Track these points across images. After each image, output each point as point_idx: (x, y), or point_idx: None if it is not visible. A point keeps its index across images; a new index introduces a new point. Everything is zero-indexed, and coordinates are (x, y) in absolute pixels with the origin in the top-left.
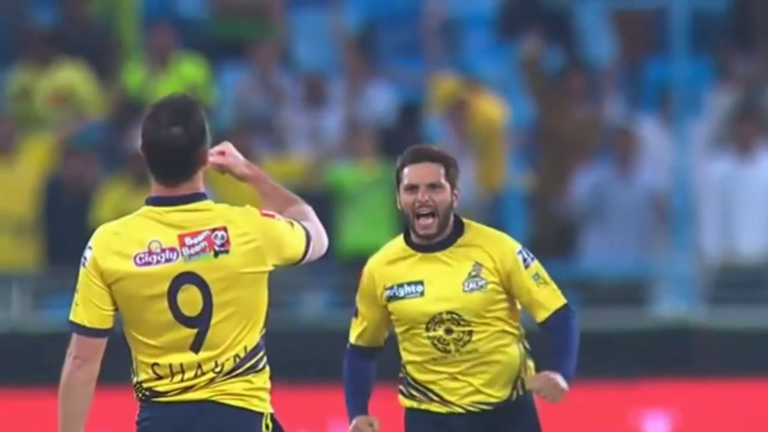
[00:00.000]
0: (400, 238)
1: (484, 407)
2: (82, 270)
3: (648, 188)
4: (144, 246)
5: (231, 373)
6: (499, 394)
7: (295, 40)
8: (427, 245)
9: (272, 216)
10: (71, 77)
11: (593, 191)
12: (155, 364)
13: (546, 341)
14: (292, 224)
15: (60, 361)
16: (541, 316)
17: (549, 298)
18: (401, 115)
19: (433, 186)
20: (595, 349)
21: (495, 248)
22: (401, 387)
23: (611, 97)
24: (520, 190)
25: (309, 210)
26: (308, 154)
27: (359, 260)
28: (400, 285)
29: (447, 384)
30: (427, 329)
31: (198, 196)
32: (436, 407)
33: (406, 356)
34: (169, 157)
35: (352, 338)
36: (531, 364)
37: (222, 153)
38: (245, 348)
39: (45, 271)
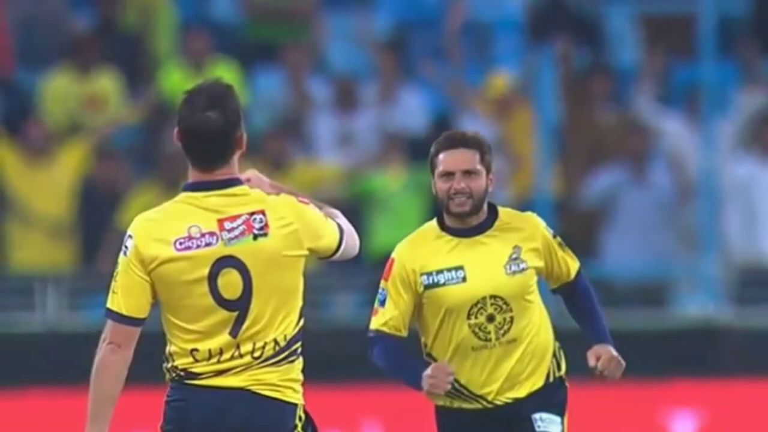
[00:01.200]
0: (433, 224)
1: (513, 401)
2: (121, 258)
3: (667, 189)
4: (184, 231)
5: (268, 361)
6: (532, 384)
7: (327, 44)
8: (463, 229)
9: (307, 203)
10: (105, 84)
11: (609, 192)
12: (194, 349)
13: (569, 304)
14: (325, 217)
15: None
16: (567, 278)
17: (573, 261)
18: (434, 121)
19: (469, 173)
20: (623, 350)
21: (529, 228)
22: None
23: (638, 100)
24: (549, 193)
25: (340, 213)
26: (339, 160)
27: None
28: (439, 271)
29: (478, 377)
30: (469, 316)
31: (234, 181)
32: (465, 404)
33: (437, 348)
34: (206, 142)
35: (376, 325)
36: (562, 357)
37: (248, 180)
38: (285, 336)
39: (80, 272)
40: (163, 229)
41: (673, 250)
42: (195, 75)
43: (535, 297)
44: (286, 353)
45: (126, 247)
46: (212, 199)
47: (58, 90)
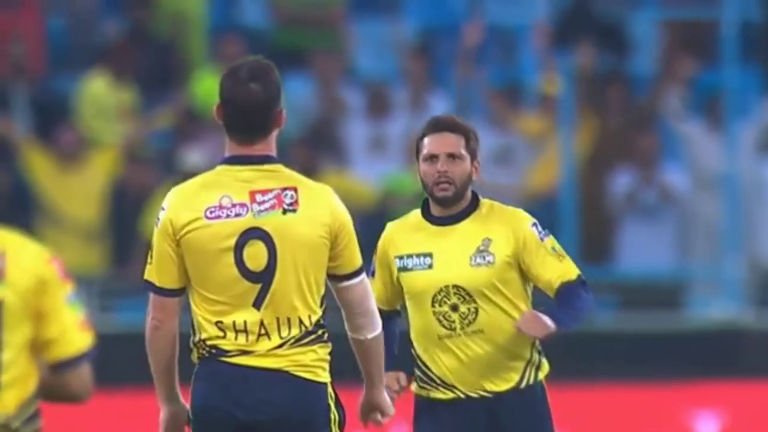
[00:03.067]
0: (417, 211)
1: (488, 394)
2: (155, 230)
3: (685, 191)
4: (215, 200)
5: (299, 342)
6: (505, 380)
7: (357, 49)
8: (442, 217)
9: (340, 202)
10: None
11: (627, 194)
12: (219, 321)
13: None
14: (360, 248)
15: (127, 362)
16: (556, 284)
17: (566, 269)
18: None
19: (453, 156)
20: (646, 351)
21: (510, 222)
22: (414, 378)
23: (664, 104)
24: (571, 196)
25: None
26: (371, 165)
27: None
28: (410, 256)
29: (451, 365)
30: (433, 304)
31: (271, 159)
32: (440, 394)
33: (413, 333)
34: (247, 113)
35: None
36: (544, 361)
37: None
38: (309, 317)
39: (111, 275)
40: (195, 198)
41: (694, 252)
42: None
43: (512, 293)
44: (313, 336)
45: (158, 219)
46: (247, 173)
47: (93, 96)
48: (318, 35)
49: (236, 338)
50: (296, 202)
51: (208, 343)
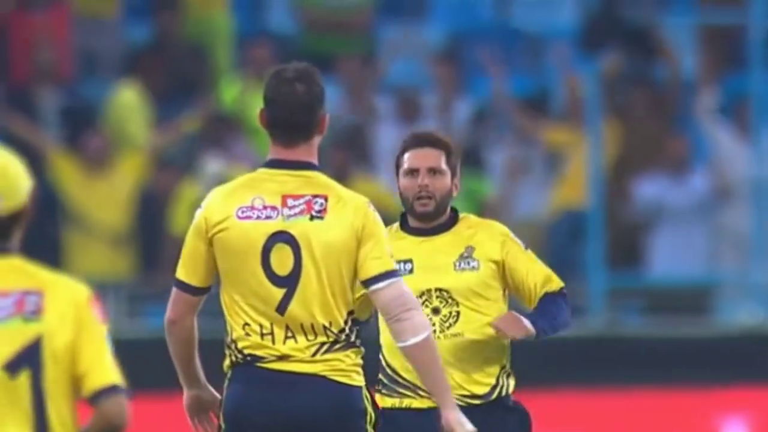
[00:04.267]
0: (397, 223)
1: (461, 402)
2: (190, 228)
3: (711, 195)
4: (248, 201)
5: (332, 348)
6: (479, 385)
7: (384, 54)
8: (421, 229)
9: (376, 213)
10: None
11: (654, 200)
12: (246, 324)
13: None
14: (390, 254)
15: (155, 367)
16: (540, 291)
17: (551, 278)
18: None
19: (434, 171)
20: (674, 356)
21: (491, 231)
22: (378, 386)
23: (696, 108)
24: (599, 205)
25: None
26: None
27: None
28: None
29: None
30: None
31: (309, 165)
32: (412, 401)
33: (385, 339)
34: (291, 112)
35: None
36: (512, 381)
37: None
38: (334, 323)
39: (140, 280)
40: (230, 198)
41: (722, 257)
42: (256, 86)
43: (493, 303)
44: (344, 342)
45: (194, 217)
46: (283, 177)
47: (123, 107)
48: (345, 40)
49: (262, 340)
50: (325, 210)
51: (239, 346)
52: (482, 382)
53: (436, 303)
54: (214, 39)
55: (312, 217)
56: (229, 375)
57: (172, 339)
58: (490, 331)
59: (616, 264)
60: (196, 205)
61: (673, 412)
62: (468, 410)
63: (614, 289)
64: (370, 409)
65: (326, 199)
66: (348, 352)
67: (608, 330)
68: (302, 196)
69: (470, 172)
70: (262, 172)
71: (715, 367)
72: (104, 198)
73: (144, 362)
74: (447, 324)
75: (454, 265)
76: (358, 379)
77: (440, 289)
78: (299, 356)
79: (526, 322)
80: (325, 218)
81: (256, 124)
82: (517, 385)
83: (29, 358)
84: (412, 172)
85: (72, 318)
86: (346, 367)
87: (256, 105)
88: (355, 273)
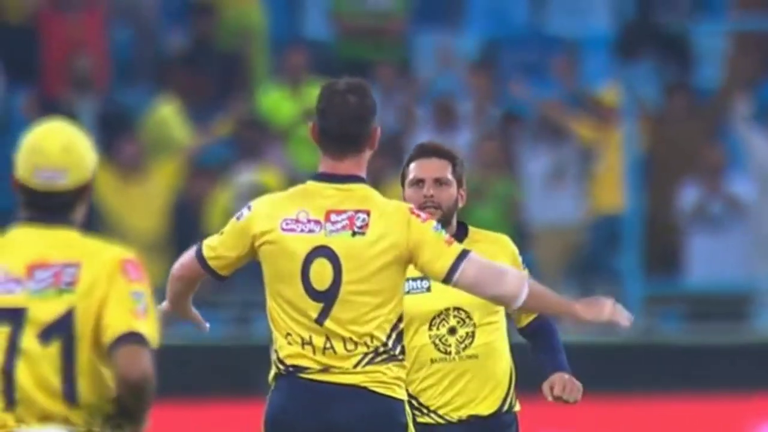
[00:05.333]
0: None
1: (469, 418)
2: (233, 221)
3: (750, 202)
4: (293, 213)
5: (374, 360)
6: (487, 406)
7: (419, 61)
8: None
9: (419, 216)
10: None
11: (693, 207)
12: (288, 334)
13: (536, 340)
14: (450, 242)
15: (189, 374)
16: (531, 317)
17: None
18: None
19: (440, 181)
20: (713, 363)
21: (500, 248)
22: None
23: (731, 115)
24: (637, 210)
25: (520, 277)
26: None
27: None
28: (406, 280)
29: (436, 390)
30: (431, 327)
31: (357, 179)
32: (418, 417)
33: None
34: (342, 123)
35: None
36: (517, 403)
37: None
38: (374, 338)
39: None
40: (277, 208)
41: (761, 263)
42: (292, 92)
43: (501, 322)
44: (385, 356)
45: (241, 214)
46: (329, 191)
47: (160, 122)
48: (381, 47)
49: (303, 350)
50: (367, 225)
51: (282, 355)
52: (488, 402)
53: (453, 323)
54: (250, 45)
55: (354, 233)
56: (272, 385)
57: (172, 287)
58: (497, 353)
59: (654, 270)
60: (230, 211)
61: (711, 420)
62: (469, 425)
63: (651, 295)
64: (410, 424)
65: (368, 214)
66: (390, 365)
67: (645, 337)
68: (345, 212)
69: (503, 176)
70: (310, 184)
71: (753, 374)
72: (139, 204)
73: (178, 368)
74: (463, 345)
75: None
76: (401, 393)
77: (458, 308)
78: (341, 367)
79: (569, 377)
80: (366, 234)
81: (291, 131)
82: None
83: (61, 328)
84: (418, 182)
85: (103, 282)
86: (388, 380)
87: (292, 111)
88: (401, 285)
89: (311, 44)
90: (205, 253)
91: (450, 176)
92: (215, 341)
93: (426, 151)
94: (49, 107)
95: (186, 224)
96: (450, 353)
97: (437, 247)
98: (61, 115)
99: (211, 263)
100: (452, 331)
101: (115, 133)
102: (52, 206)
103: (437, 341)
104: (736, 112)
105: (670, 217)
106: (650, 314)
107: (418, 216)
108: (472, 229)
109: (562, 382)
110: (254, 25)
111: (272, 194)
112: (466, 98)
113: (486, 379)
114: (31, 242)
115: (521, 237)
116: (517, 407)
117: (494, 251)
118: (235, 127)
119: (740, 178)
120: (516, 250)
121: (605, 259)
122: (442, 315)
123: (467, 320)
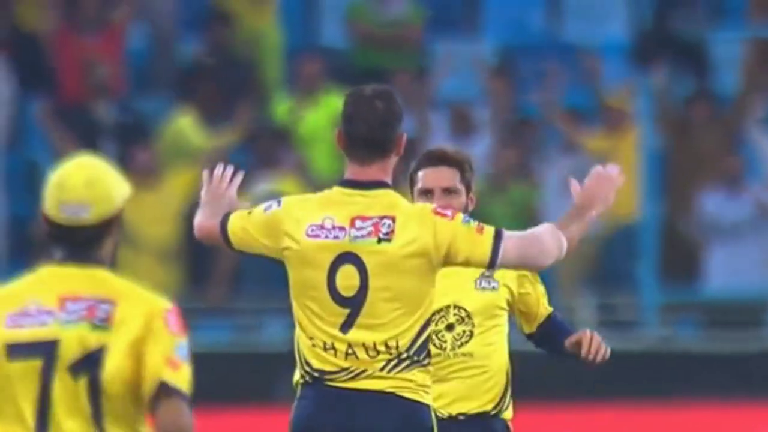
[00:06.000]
0: None
1: (459, 416)
2: (259, 210)
3: (765, 209)
4: (319, 219)
5: (399, 366)
6: (479, 404)
7: (436, 69)
8: None
9: (445, 215)
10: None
11: (711, 215)
12: (312, 337)
13: (549, 339)
14: (481, 229)
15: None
16: (541, 312)
17: (546, 305)
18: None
19: (449, 191)
20: (731, 371)
21: None
22: None
23: (745, 122)
24: (654, 219)
25: (551, 233)
26: None
27: None
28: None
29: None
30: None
31: (383, 185)
32: None
33: None
34: (369, 127)
35: None
36: (511, 407)
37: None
38: (400, 342)
39: (188, 295)
40: (305, 211)
41: None
42: (307, 101)
43: (503, 325)
44: (409, 361)
45: (270, 206)
46: (355, 197)
47: (178, 134)
48: (397, 55)
49: (325, 353)
50: (392, 231)
51: (307, 357)
52: (481, 400)
53: (452, 319)
54: (265, 53)
55: (380, 240)
56: (298, 393)
57: (197, 234)
58: (496, 354)
59: (672, 278)
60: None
61: (728, 427)
62: (458, 423)
63: (668, 303)
64: (435, 429)
65: (394, 220)
66: (415, 371)
67: (662, 345)
68: (370, 218)
69: (521, 182)
70: (337, 190)
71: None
72: (153, 212)
73: (193, 377)
74: (459, 342)
75: (476, 284)
76: (427, 398)
77: (459, 307)
78: (365, 371)
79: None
80: (393, 240)
81: (307, 138)
82: (515, 411)
83: (90, 365)
84: (427, 192)
85: (140, 329)
86: (414, 386)
87: (308, 119)
88: (430, 291)
89: (327, 52)
90: (230, 229)
91: (459, 184)
92: (226, 348)
93: (433, 159)
94: (66, 115)
95: None
96: (445, 349)
97: (471, 238)
98: (78, 122)
99: (232, 241)
100: (450, 327)
101: (132, 141)
102: (78, 241)
103: (433, 336)
104: (752, 118)
105: (688, 225)
106: (668, 322)
107: (444, 215)
108: None
109: (587, 341)
110: (269, 33)
111: (300, 196)
112: (482, 105)
113: (479, 378)
114: (62, 277)
115: None
116: (509, 414)
117: None
118: (249, 135)
119: (759, 186)
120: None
121: (622, 267)
122: (442, 312)
123: (466, 319)
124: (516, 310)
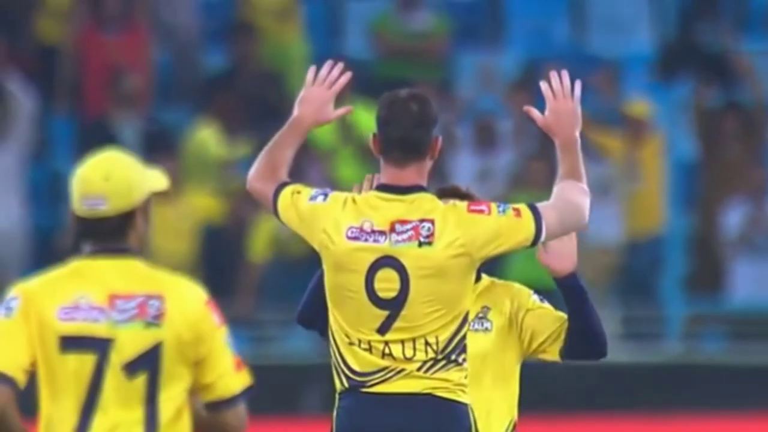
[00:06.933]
0: None
1: None
2: (305, 196)
3: None
4: (358, 222)
5: (435, 366)
6: None
7: (460, 80)
8: None
9: (481, 211)
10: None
11: (738, 226)
12: (348, 336)
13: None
14: (518, 212)
15: None
16: (559, 347)
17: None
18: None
19: None
20: (751, 383)
21: (509, 291)
22: None
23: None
24: (679, 230)
25: (574, 188)
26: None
27: None
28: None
29: None
30: None
31: (419, 188)
32: None
33: None
34: (405, 130)
35: None
36: None
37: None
38: (439, 342)
39: None
40: (344, 213)
41: None
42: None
43: (503, 369)
44: (446, 360)
45: (316, 197)
46: (393, 203)
47: (200, 145)
48: (422, 67)
49: (363, 353)
50: (432, 234)
51: (345, 358)
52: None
53: None
54: (290, 65)
55: (420, 243)
56: (338, 402)
57: (249, 186)
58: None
59: (697, 290)
60: (274, 237)
61: None
62: None
63: (693, 315)
64: (473, 428)
65: (433, 223)
66: (452, 371)
67: (686, 357)
68: (409, 222)
69: (543, 195)
70: (374, 195)
71: None
72: (171, 225)
73: None
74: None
75: (469, 325)
76: (464, 397)
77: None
78: (404, 371)
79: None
80: (434, 243)
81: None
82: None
83: (148, 362)
84: None
85: (192, 323)
86: (451, 386)
87: (331, 131)
88: (468, 291)
89: (352, 64)
90: (279, 200)
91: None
92: (249, 360)
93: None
94: (90, 127)
95: (219, 246)
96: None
97: (512, 225)
98: (102, 134)
99: (281, 207)
100: None
101: (155, 153)
102: (101, 233)
103: None
104: None
105: (714, 237)
106: (692, 334)
107: (480, 212)
108: (483, 278)
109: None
110: (294, 44)
111: (346, 195)
112: (506, 118)
113: (486, 414)
114: (102, 271)
115: None
116: None
117: (497, 299)
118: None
119: None
120: (527, 291)
121: (647, 278)
122: None
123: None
124: (532, 340)
